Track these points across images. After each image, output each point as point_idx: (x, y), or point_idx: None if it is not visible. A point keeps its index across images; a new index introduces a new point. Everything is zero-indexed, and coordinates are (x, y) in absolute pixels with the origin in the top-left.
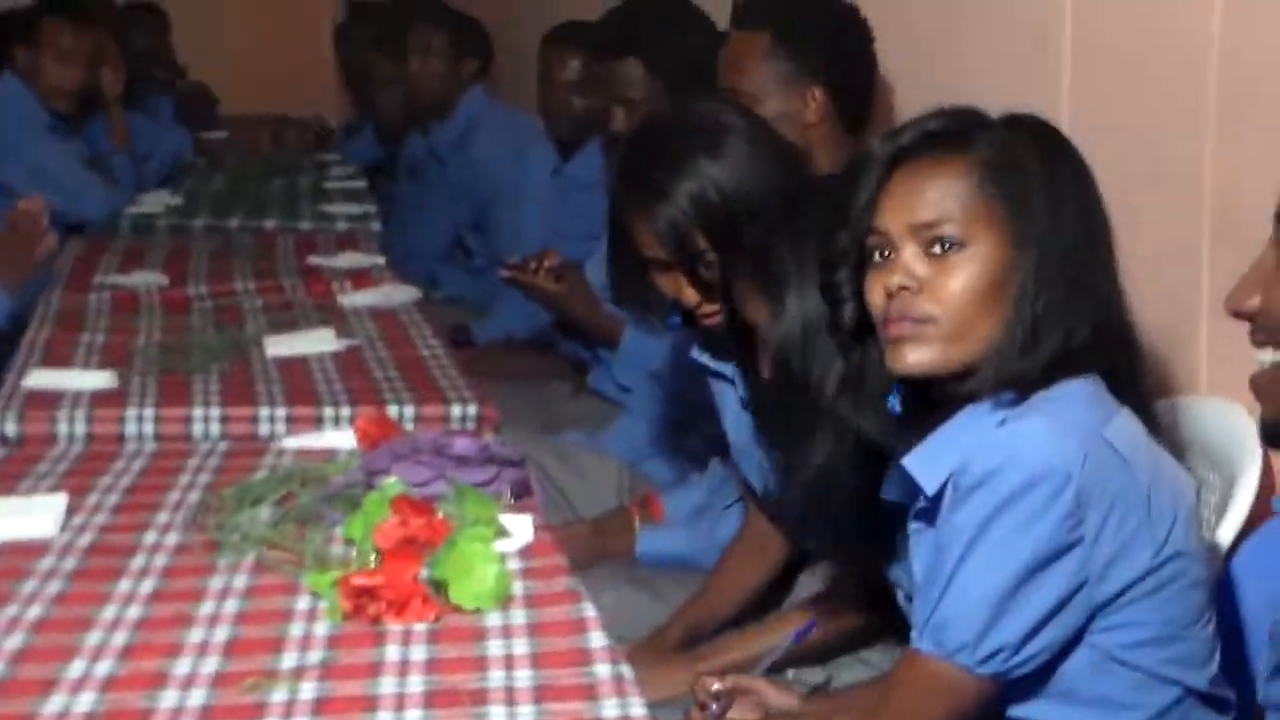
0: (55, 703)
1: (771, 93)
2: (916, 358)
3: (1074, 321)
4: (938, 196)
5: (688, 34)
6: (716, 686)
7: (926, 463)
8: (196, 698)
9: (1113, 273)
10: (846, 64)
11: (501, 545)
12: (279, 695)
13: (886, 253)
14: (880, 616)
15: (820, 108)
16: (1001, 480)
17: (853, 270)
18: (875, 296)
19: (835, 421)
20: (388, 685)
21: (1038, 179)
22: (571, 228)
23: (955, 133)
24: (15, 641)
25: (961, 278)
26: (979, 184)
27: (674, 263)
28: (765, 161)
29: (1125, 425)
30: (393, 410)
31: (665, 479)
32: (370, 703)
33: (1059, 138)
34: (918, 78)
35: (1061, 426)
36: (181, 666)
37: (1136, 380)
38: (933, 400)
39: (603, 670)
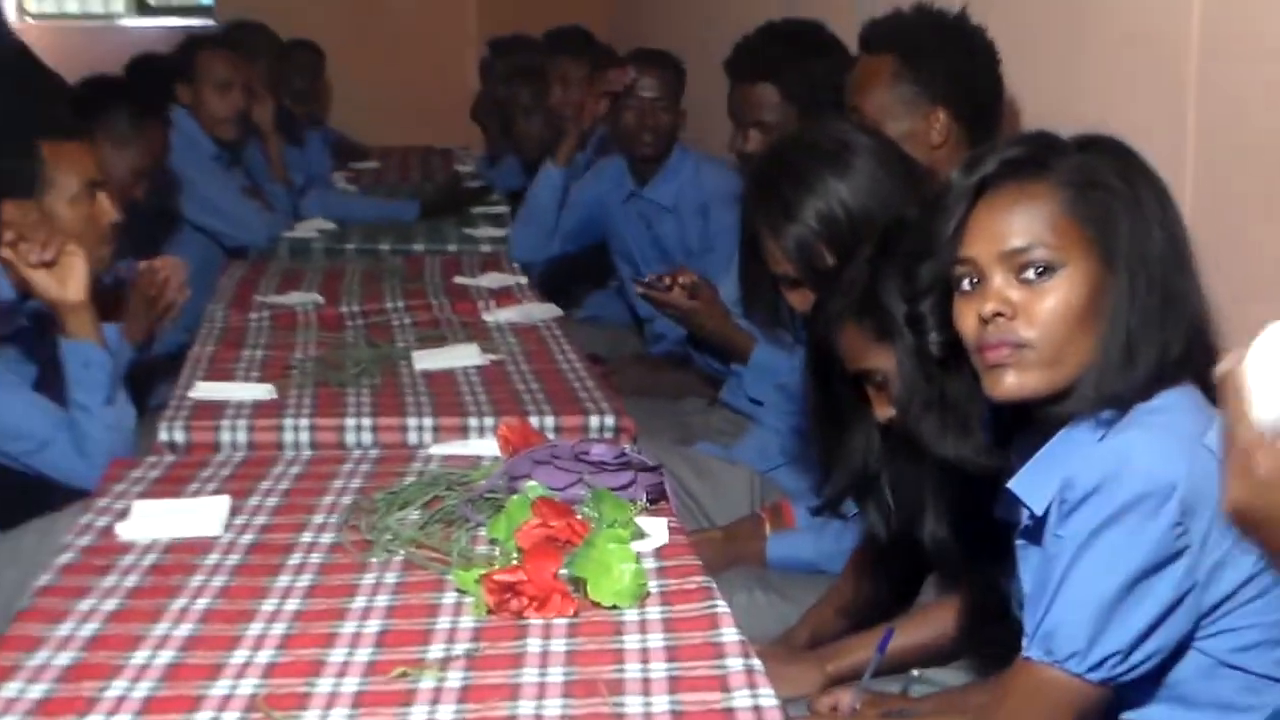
0: (220, 686)
1: (897, 114)
2: (1016, 382)
3: (1168, 334)
4: (1026, 222)
5: (821, 59)
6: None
7: (1032, 483)
8: (350, 684)
9: (1197, 283)
10: (971, 86)
11: (637, 546)
12: (427, 683)
13: (975, 280)
14: (968, 637)
15: (944, 129)
16: (1108, 492)
17: (938, 299)
18: (968, 324)
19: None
20: (529, 675)
21: (1120, 197)
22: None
23: (1034, 158)
24: (184, 630)
25: (1055, 301)
26: (1064, 207)
27: (802, 279)
28: (891, 180)
29: None
30: (534, 420)
31: (795, 488)
32: (513, 691)
33: (1134, 156)
34: (1043, 99)
35: (1163, 437)
36: (336, 655)
37: None
38: (1030, 420)
39: (735, 663)
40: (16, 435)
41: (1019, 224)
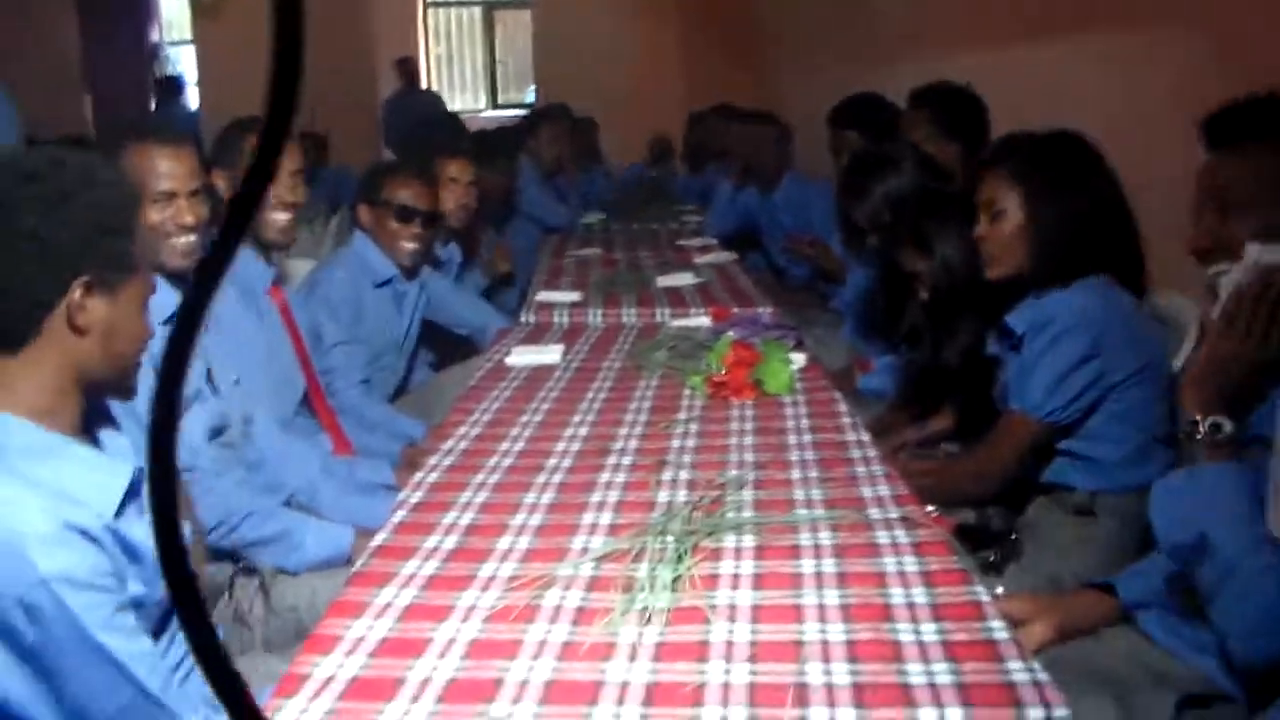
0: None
1: None
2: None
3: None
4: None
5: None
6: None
7: (1018, 319)
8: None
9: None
10: None
11: (791, 363)
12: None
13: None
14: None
15: None
16: (1056, 323)
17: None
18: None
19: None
20: (809, 594)
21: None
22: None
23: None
24: (535, 418)
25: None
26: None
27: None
28: (923, 176)
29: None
30: (726, 306)
31: (870, 352)
32: (797, 614)
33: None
34: None
35: (1085, 296)
36: (614, 447)
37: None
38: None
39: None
40: (460, 324)
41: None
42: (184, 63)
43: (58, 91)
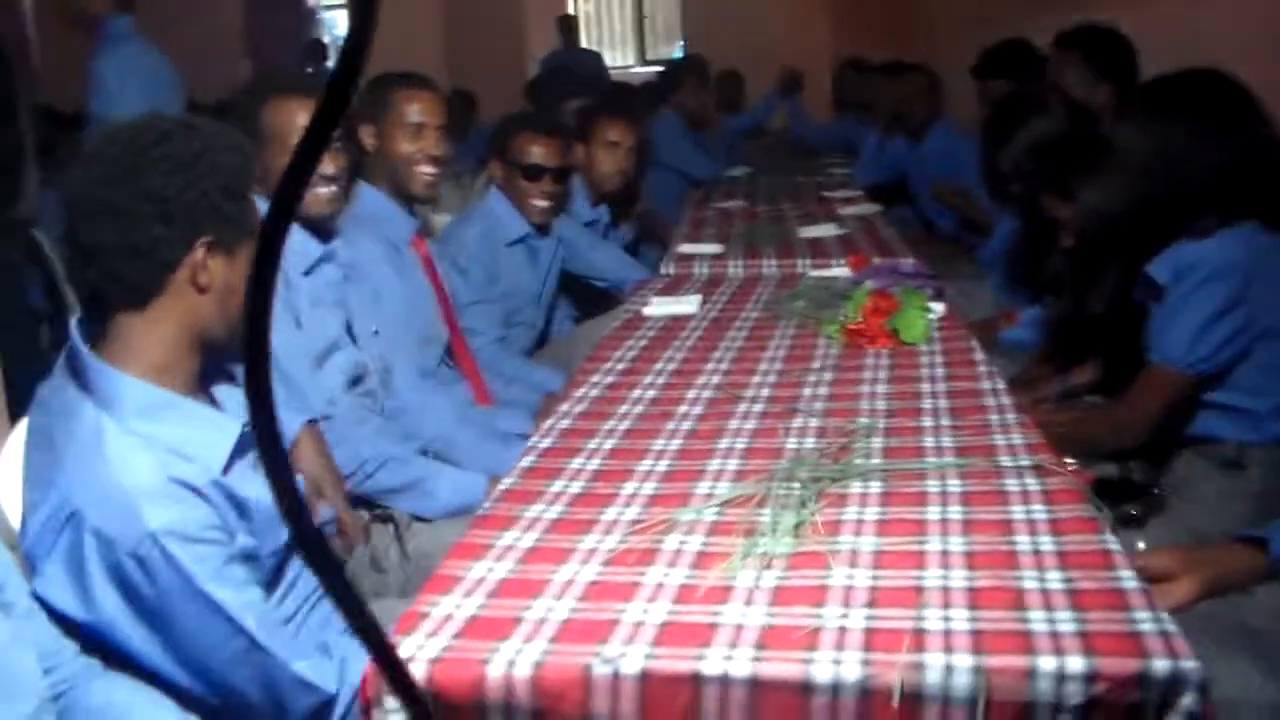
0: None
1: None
2: None
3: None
4: None
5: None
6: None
7: (1159, 268)
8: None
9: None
10: None
11: (929, 313)
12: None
13: None
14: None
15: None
16: (1198, 270)
17: None
18: None
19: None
20: (933, 540)
21: None
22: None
23: None
24: (669, 367)
25: None
26: None
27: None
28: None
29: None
30: (872, 257)
31: (1016, 304)
32: (919, 560)
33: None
34: None
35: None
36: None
37: None
38: None
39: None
40: (600, 276)
41: None
42: (340, 26)
43: (220, 57)
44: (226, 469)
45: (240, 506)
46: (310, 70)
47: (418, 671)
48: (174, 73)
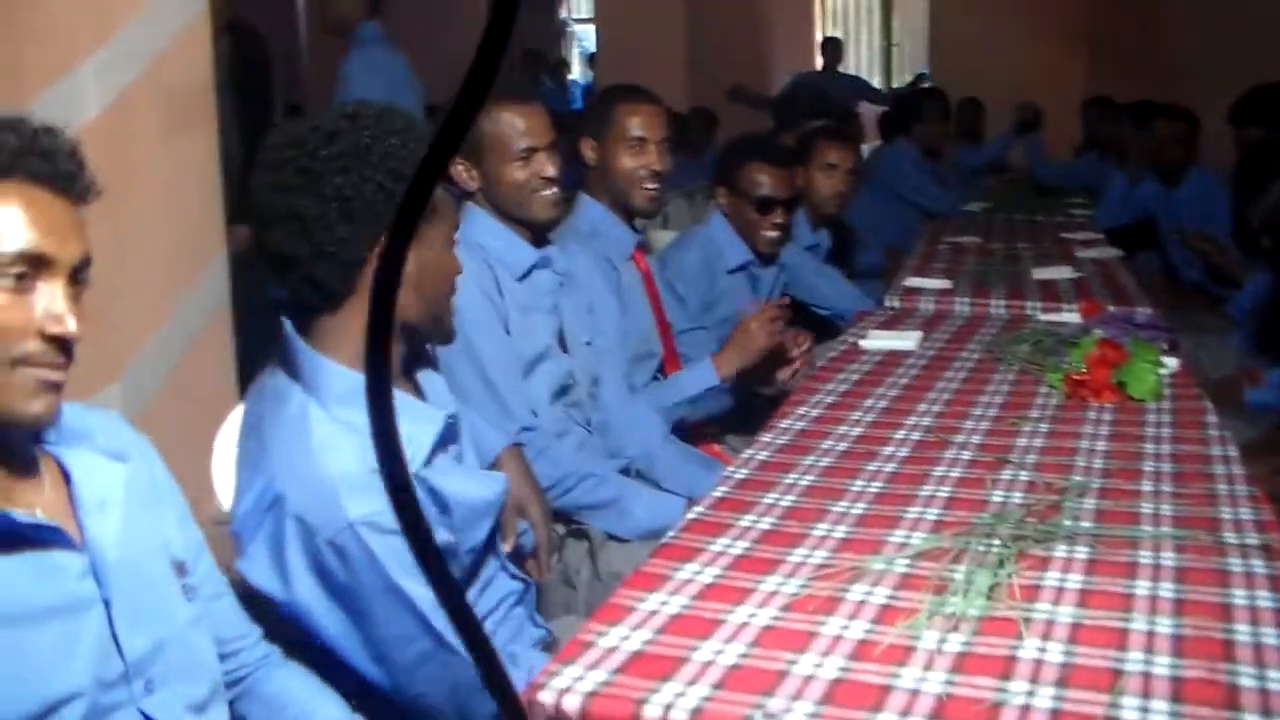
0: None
1: None
2: None
3: None
4: None
5: None
6: None
7: None
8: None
9: None
10: None
11: (1160, 367)
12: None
13: None
14: None
15: None
16: None
17: None
18: None
19: None
20: (1139, 619)
21: None
22: None
23: None
24: (879, 404)
25: None
26: None
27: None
28: None
29: None
30: (1106, 305)
31: (1263, 363)
32: (1121, 639)
33: None
34: None
35: None
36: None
37: None
38: None
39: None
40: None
41: None
42: (589, 40)
43: (461, 67)
44: (428, 461)
45: (440, 501)
46: (530, 79)
47: (572, 704)
48: (414, 77)
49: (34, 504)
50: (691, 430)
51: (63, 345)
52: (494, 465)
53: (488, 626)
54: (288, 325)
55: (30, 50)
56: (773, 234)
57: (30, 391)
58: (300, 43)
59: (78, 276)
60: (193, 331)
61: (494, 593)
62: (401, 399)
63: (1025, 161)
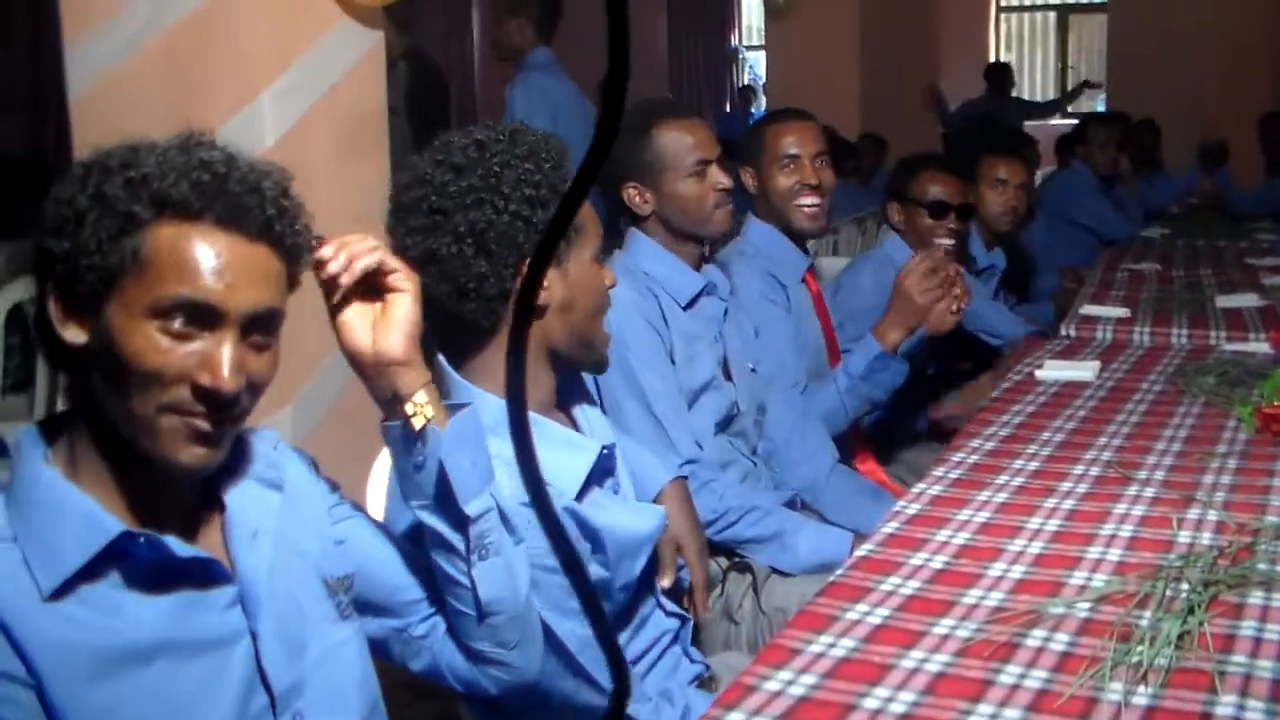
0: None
1: None
2: None
3: None
4: None
5: None
6: None
7: None
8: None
9: None
10: None
11: None
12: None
13: None
14: None
15: None
16: None
17: None
18: None
19: None
20: None
21: None
22: None
23: None
24: (1057, 437)
25: None
26: None
27: None
28: None
29: None
30: None
31: None
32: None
33: None
34: None
35: None
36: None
37: None
38: None
39: None
40: (990, 332)
41: None
42: (759, 67)
43: (642, 93)
44: (580, 495)
45: (592, 535)
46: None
47: None
48: (582, 102)
49: (191, 536)
50: (854, 444)
51: (212, 397)
52: (656, 499)
53: (640, 667)
54: (442, 361)
55: (219, 79)
56: (947, 241)
57: (179, 439)
58: (474, 70)
59: (258, 328)
60: None
61: (649, 631)
62: (553, 429)
63: (1214, 189)
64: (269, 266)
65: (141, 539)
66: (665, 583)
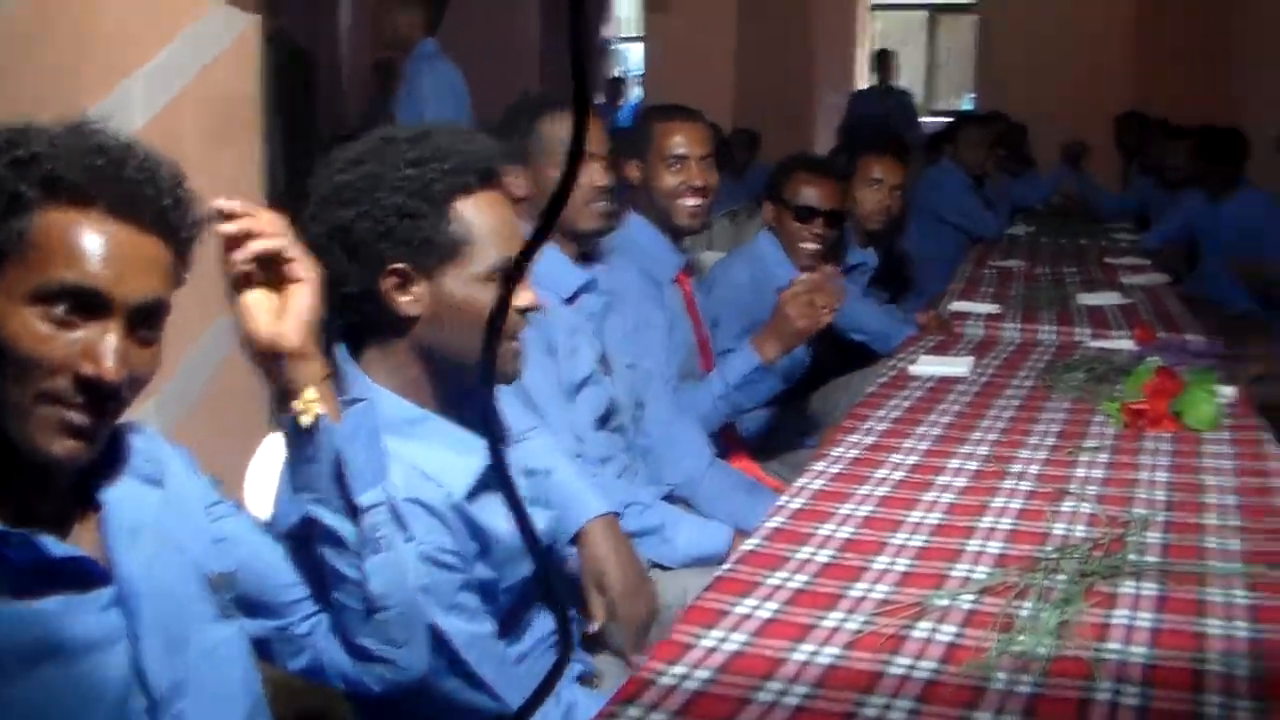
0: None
1: None
2: None
3: None
4: None
5: None
6: None
7: None
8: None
9: None
10: None
11: (1217, 396)
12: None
13: None
14: None
15: None
16: None
17: None
18: None
19: None
20: (1213, 660)
21: None
22: None
23: None
24: (933, 431)
25: None
26: None
27: None
28: None
29: None
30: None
31: None
32: (1196, 682)
33: None
34: None
35: None
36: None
37: None
38: None
39: None
40: (859, 330)
41: None
42: (632, 59)
43: (514, 84)
44: (472, 496)
45: (480, 536)
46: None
47: None
48: (462, 87)
49: (67, 534)
50: (729, 443)
51: (94, 387)
52: (578, 535)
53: (528, 662)
54: (339, 350)
55: (86, 58)
56: (811, 245)
57: (52, 430)
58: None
59: (144, 322)
60: (225, 351)
61: (539, 628)
62: (448, 427)
63: (1076, 191)
64: (159, 257)
65: (13, 539)
66: (591, 627)
